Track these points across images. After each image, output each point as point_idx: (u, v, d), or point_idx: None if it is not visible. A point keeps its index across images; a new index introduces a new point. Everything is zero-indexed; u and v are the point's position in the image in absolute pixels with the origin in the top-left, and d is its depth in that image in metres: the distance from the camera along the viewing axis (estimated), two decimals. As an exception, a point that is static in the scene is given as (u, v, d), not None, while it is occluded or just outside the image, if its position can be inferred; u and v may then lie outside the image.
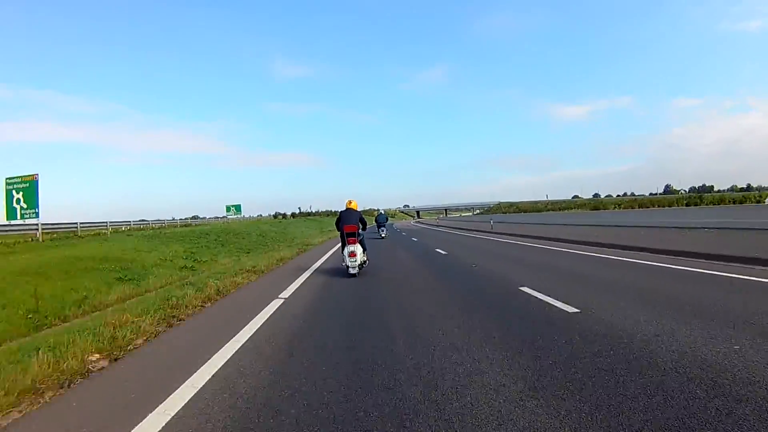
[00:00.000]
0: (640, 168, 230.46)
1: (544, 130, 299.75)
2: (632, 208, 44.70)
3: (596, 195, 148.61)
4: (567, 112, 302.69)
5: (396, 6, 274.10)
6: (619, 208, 47.23)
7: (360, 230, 8.68)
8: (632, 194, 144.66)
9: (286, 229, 29.52)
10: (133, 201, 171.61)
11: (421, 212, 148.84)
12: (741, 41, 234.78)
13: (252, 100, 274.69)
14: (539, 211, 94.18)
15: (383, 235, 22.33)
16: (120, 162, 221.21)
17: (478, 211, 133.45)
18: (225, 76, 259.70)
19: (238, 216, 49.98)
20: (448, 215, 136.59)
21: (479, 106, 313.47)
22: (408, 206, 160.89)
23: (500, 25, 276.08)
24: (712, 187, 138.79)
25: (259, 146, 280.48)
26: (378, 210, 31.70)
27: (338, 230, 8.83)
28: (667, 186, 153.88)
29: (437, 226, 49.46)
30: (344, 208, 9.01)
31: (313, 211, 68.82)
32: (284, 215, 60.03)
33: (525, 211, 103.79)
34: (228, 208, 50.07)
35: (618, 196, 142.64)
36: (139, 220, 31.78)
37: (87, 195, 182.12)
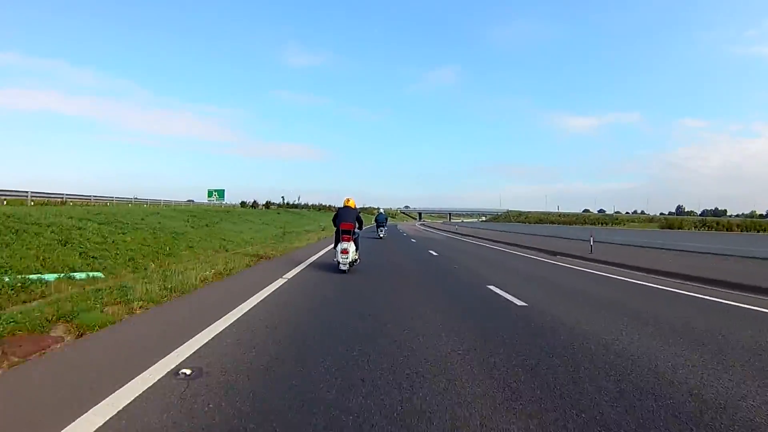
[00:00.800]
0: (643, 186, 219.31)
1: (550, 141, 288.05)
2: (729, 230, 33.29)
3: (601, 210, 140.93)
4: (574, 123, 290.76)
5: (409, 5, 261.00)
6: (705, 228, 35.90)
7: (356, 228, 8.58)
8: (642, 212, 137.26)
9: (217, 225, 16.12)
10: (137, 179, 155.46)
11: (423, 214, 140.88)
12: (755, 65, 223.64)
13: (259, 87, 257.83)
14: (552, 222, 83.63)
15: (381, 236, 21.53)
16: (123, 140, 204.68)
17: (483, 218, 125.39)
18: (234, 60, 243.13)
19: (221, 201, 42.97)
20: (452, 220, 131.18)
21: (486, 112, 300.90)
22: (408, 207, 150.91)
23: (513, 33, 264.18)
24: (725, 211, 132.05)
25: (263, 134, 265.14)
26: (378, 209, 30.42)
27: (334, 226, 8.79)
28: (678, 207, 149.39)
29: (459, 233, 36.59)
30: (342, 206, 9.08)
31: (302, 203, 54.75)
32: (255, 204, 45.73)
33: (541, 222, 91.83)
34: (210, 193, 43.57)
35: (627, 213, 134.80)
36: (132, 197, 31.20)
37: (90, 168, 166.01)
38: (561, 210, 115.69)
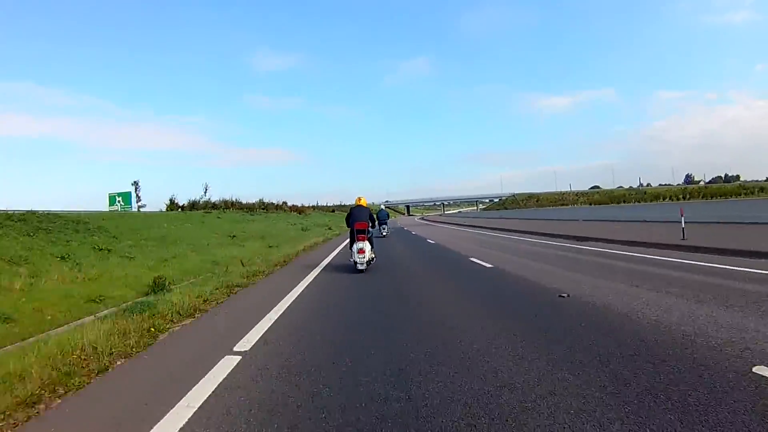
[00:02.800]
0: (636, 160, 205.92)
1: (531, 124, 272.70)
2: None
3: (595, 187, 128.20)
4: (552, 103, 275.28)
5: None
6: None
7: (369, 227, 8.83)
8: (648, 185, 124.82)
9: None
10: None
11: (411, 207, 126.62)
12: (725, 33, 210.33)
13: (232, 94, 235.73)
14: (566, 204, 67.10)
15: (384, 233, 20.90)
16: (97, 158, 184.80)
17: (481, 206, 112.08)
18: (205, 68, 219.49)
19: (124, 209, 32.29)
20: (446, 211, 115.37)
21: (464, 101, 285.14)
22: (388, 201, 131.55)
23: (483, 19, 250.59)
24: (738, 176, 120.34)
25: (238, 142, 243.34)
26: (379, 206, 29.10)
27: (348, 227, 9.10)
28: (687, 176, 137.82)
29: (526, 232, 17.43)
30: (354, 205, 9.38)
31: (217, 202, 33.19)
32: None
33: (560, 204, 73.26)
34: (112, 199, 33.61)
35: (630, 187, 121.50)
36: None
37: (67, 190, 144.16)
38: (574, 188, 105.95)
